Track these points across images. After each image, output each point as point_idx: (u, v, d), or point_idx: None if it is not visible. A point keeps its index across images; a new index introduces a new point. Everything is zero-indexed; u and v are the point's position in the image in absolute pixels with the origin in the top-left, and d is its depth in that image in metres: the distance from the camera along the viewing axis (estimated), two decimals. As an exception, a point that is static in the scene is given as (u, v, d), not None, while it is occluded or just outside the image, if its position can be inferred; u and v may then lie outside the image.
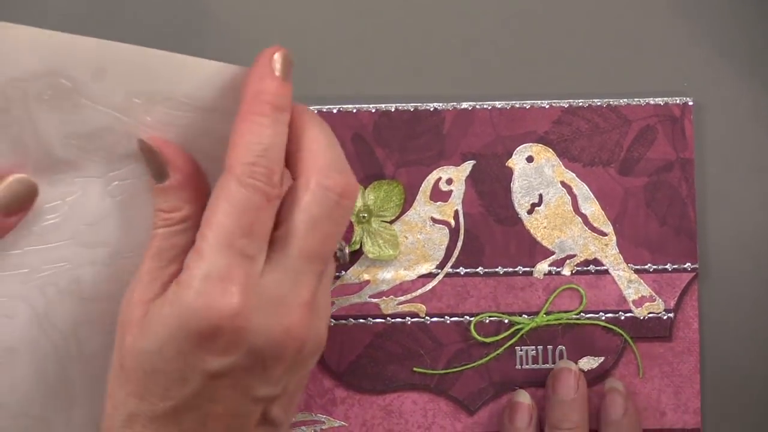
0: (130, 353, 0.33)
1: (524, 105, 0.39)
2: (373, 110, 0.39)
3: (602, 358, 0.38)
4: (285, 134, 0.31)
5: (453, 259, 0.39)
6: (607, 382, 0.39)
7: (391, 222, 0.38)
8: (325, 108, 0.38)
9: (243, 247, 0.30)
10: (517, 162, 0.39)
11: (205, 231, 0.31)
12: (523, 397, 0.39)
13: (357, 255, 0.38)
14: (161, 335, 0.32)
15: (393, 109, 0.39)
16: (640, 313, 0.39)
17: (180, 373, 0.32)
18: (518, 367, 0.38)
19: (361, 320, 0.39)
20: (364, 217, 0.38)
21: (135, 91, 0.32)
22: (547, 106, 0.39)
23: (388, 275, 0.38)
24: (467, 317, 0.39)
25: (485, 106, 0.39)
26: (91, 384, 0.36)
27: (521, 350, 0.39)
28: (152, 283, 0.33)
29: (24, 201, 0.35)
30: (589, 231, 0.39)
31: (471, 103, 0.39)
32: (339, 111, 0.38)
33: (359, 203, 0.38)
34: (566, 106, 0.39)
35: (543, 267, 0.39)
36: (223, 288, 0.30)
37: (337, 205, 0.30)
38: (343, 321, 0.38)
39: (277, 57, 0.31)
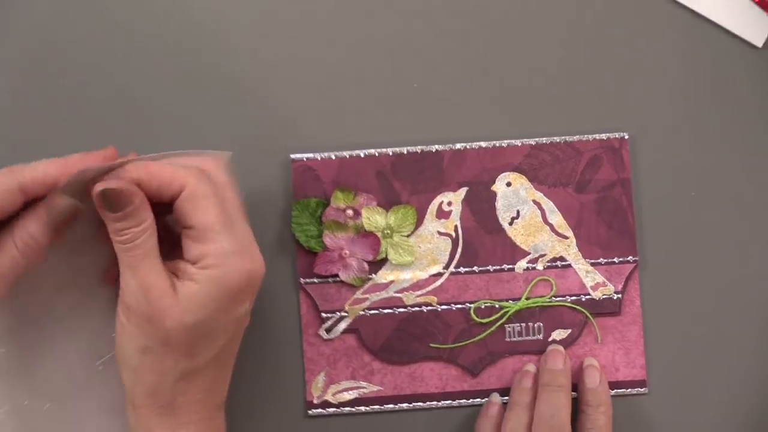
0: (176, 330, 0.38)
1: (502, 143, 0.49)
2: (390, 153, 0.49)
3: (569, 330, 0.49)
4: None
5: (455, 261, 0.49)
6: (585, 360, 0.48)
7: (408, 236, 0.49)
8: (354, 153, 0.49)
9: (232, 223, 0.39)
10: (499, 186, 0.49)
11: (209, 219, 0.38)
12: (530, 367, 0.48)
13: (383, 262, 0.49)
14: (208, 307, 0.38)
15: (405, 152, 0.49)
16: (596, 295, 0.49)
17: (223, 327, 0.39)
18: (507, 339, 0.49)
19: (389, 310, 0.49)
20: (387, 233, 0.49)
21: None
22: (520, 144, 0.49)
23: (408, 275, 0.49)
24: (468, 304, 0.49)
25: (474, 146, 0.49)
26: None
27: (509, 327, 0.49)
28: (159, 276, 0.38)
29: (63, 218, 0.40)
30: (555, 236, 0.49)
31: (463, 144, 0.49)
32: (365, 155, 0.49)
33: (383, 222, 0.49)
34: (533, 143, 0.49)
35: (522, 264, 0.49)
36: (238, 256, 0.38)
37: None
38: (376, 311, 0.49)
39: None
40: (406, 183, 0.49)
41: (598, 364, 0.48)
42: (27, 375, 0.43)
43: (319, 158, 0.49)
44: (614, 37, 0.51)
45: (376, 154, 0.49)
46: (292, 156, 0.49)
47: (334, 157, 0.49)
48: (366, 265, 0.49)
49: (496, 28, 0.51)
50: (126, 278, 0.38)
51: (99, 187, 0.37)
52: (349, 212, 0.49)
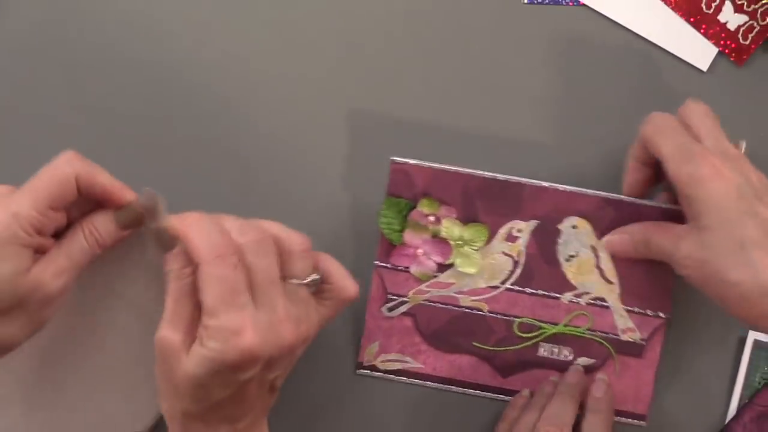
0: (184, 380, 0.40)
1: (578, 190, 0.55)
2: (478, 175, 0.56)
3: (594, 360, 0.56)
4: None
5: (511, 280, 0.56)
6: (597, 374, 0.56)
7: (477, 249, 0.56)
8: (447, 167, 0.55)
9: (239, 302, 0.40)
10: (565, 226, 0.56)
11: (209, 299, 0.39)
12: (555, 378, 0.55)
13: (450, 266, 0.56)
14: (206, 368, 0.40)
15: (492, 177, 0.55)
16: (624, 337, 0.56)
17: (222, 385, 0.41)
18: (539, 354, 0.56)
19: (446, 305, 0.56)
20: (460, 243, 0.56)
21: None
22: (592, 194, 0.55)
23: (468, 282, 0.56)
24: (513, 318, 0.56)
25: (553, 186, 0.55)
26: None
27: (543, 345, 0.56)
28: (179, 323, 0.40)
29: (132, 221, 0.45)
30: (603, 280, 0.55)
31: (544, 182, 0.55)
32: (457, 172, 0.56)
33: (458, 234, 0.57)
34: (604, 196, 0.55)
35: (568, 296, 0.56)
36: (238, 335, 0.39)
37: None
38: (434, 303, 0.56)
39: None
40: (486, 204, 0.56)
41: (607, 379, 0.55)
42: (94, 346, 0.48)
43: (415, 165, 0.56)
44: (562, 62, 0.56)
45: (466, 173, 0.56)
46: (393, 158, 0.57)
47: (429, 167, 0.56)
48: (435, 266, 0.57)
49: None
50: (164, 315, 0.42)
51: (152, 227, 0.43)
52: (431, 218, 0.56)
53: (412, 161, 0.56)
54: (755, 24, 0.57)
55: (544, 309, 0.57)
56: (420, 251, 0.56)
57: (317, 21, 0.58)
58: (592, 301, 0.56)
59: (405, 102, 0.58)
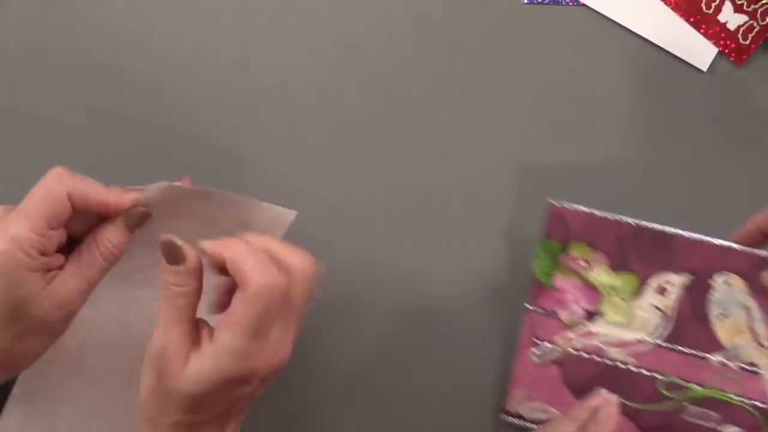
0: (177, 392, 0.40)
1: (734, 247, 0.54)
2: (633, 224, 0.55)
3: (742, 429, 0.53)
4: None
5: (660, 335, 0.54)
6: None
7: (626, 299, 0.54)
8: (602, 214, 0.55)
9: (266, 332, 0.40)
10: (718, 283, 0.54)
11: (243, 325, 0.39)
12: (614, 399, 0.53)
13: (599, 314, 0.54)
14: (208, 383, 0.40)
15: (646, 226, 0.55)
16: None
17: (217, 400, 0.41)
18: (684, 417, 0.54)
19: (593, 356, 0.54)
20: (610, 291, 0.55)
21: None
22: (750, 252, 0.54)
23: (616, 332, 0.54)
24: (660, 375, 0.54)
25: (708, 240, 0.54)
26: None
27: (690, 407, 0.54)
28: (177, 337, 0.40)
29: (140, 221, 0.44)
30: (755, 343, 0.54)
31: (699, 235, 0.54)
32: (611, 218, 0.55)
33: (609, 282, 0.55)
34: (763, 255, 0.54)
35: (718, 357, 0.54)
36: (252, 359, 0.40)
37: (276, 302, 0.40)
38: (581, 353, 0.54)
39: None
40: (638, 253, 0.55)
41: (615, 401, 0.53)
42: (126, 333, 0.48)
43: (571, 209, 0.55)
44: (564, 62, 0.57)
45: (621, 221, 0.55)
46: (551, 201, 0.56)
47: (584, 211, 0.55)
48: (584, 312, 0.55)
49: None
50: (156, 326, 0.41)
51: (164, 237, 0.41)
52: (583, 263, 0.55)
53: (567, 205, 0.55)
54: (755, 24, 0.57)
55: (691, 368, 0.54)
56: (570, 296, 0.54)
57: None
58: (742, 365, 0.54)
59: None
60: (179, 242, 0.41)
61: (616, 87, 0.57)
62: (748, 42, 0.58)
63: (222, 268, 0.41)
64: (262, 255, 0.41)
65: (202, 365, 0.40)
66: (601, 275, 0.55)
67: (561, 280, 0.55)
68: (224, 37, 0.58)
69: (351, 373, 0.55)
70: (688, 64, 0.58)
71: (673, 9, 0.58)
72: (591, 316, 0.55)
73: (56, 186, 0.42)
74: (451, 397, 0.52)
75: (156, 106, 0.56)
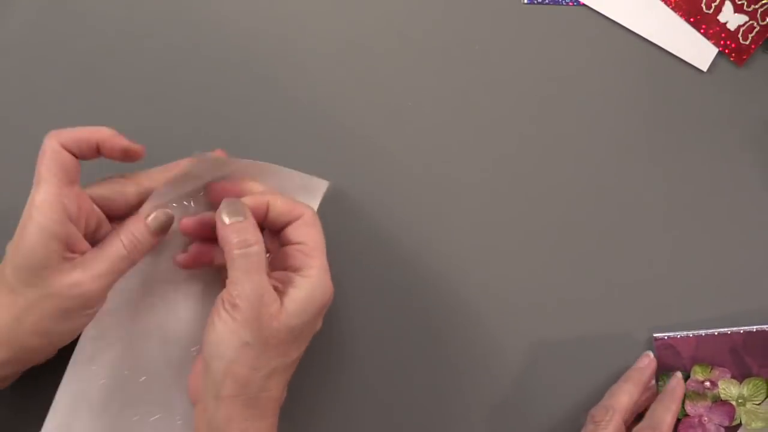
0: (280, 331, 0.43)
1: None
2: (741, 331, 0.56)
3: None
4: None
5: None
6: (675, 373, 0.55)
7: (759, 404, 0.56)
8: (709, 332, 0.56)
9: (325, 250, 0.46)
10: None
11: (314, 245, 0.45)
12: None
13: (737, 426, 0.56)
14: (309, 310, 0.44)
15: (754, 330, 0.56)
16: None
17: (309, 332, 0.46)
18: None
19: None
20: (741, 401, 0.57)
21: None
22: None
23: None
24: None
25: None
26: None
27: None
28: (268, 284, 0.43)
29: (165, 227, 0.47)
30: None
31: None
32: (718, 333, 0.56)
33: (737, 392, 0.57)
34: None
35: None
36: (327, 273, 0.45)
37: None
38: None
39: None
40: (756, 357, 0.56)
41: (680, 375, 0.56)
42: (132, 349, 0.48)
43: (678, 336, 0.56)
44: (564, 62, 0.57)
45: (729, 333, 0.56)
46: (655, 335, 0.56)
47: (691, 335, 0.56)
48: (723, 430, 0.56)
49: None
50: (240, 281, 0.43)
51: (227, 199, 0.46)
52: (707, 384, 0.56)
53: (673, 334, 0.56)
54: (755, 24, 0.58)
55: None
56: (705, 419, 0.56)
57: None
58: None
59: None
60: (239, 200, 0.46)
61: (616, 87, 0.57)
62: (748, 42, 0.57)
63: (259, 217, 0.46)
64: (287, 198, 0.48)
65: (299, 296, 0.44)
66: (729, 389, 0.56)
67: (691, 407, 0.56)
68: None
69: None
70: (688, 64, 0.57)
71: (673, 9, 0.57)
72: (730, 430, 0.57)
73: (49, 143, 0.43)
74: None
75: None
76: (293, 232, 0.47)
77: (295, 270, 0.46)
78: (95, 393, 0.47)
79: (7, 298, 0.43)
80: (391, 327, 0.56)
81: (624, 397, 0.53)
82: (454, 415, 0.56)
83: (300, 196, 0.50)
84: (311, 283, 0.45)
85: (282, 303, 0.44)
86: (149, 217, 0.46)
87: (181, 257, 0.49)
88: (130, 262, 0.46)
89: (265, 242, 0.45)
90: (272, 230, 0.49)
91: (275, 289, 0.44)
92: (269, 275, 0.45)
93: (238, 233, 0.44)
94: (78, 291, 0.43)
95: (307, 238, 0.46)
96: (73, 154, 0.44)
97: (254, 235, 0.44)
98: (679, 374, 0.56)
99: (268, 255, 0.47)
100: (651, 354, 0.56)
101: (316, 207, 0.51)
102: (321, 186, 0.51)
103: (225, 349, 0.43)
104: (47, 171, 0.43)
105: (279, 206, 0.47)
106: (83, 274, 0.43)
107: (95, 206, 0.46)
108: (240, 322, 0.42)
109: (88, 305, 0.44)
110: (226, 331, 0.42)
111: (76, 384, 0.47)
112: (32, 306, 0.43)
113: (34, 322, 0.43)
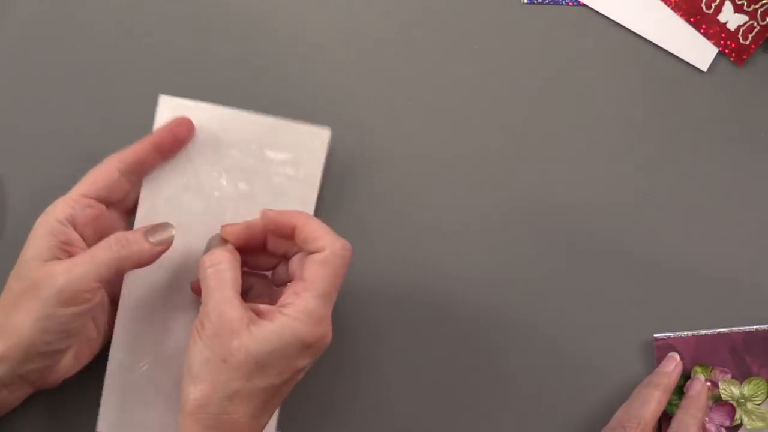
0: (239, 353, 0.42)
1: None
2: (741, 331, 0.56)
3: None
4: None
5: None
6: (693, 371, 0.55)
7: (760, 404, 0.56)
8: (709, 332, 0.55)
9: (331, 297, 0.44)
10: None
11: (321, 285, 0.43)
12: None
13: (738, 426, 0.56)
14: (275, 344, 0.42)
15: (755, 329, 0.56)
16: None
17: (281, 368, 0.43)
18: None
19: None
20: (741, 402, 0.56)
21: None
22: None
23: None
24: None
25: None
26: None
27: None
28: (233, 305, 0.43)
29: (167, 243, 0.47)
30: None
31: None
32: (718, 333, 0.56)
33: (738, 393, 0.57)
34: None
35: None
36: (320, 323, 0.43)
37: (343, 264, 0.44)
38: None
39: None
40: (756, 357, 0.56)
41: (704, 379, 0.55)
42: (153, 336, 0.50)
43: (678, 336, 0.56)
44: (564, 62, 0.57)
45: (729, 333, 0.56)
46: (655, 335, 0.56)
47: (691, 335, 0.56)
48: (723, 430, 0.56)
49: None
50: (205, 299, 0.44)
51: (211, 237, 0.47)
52: (708, 384, 0.56)
53: (673, 334, 0.56)
54: (755, 24, 0.58)
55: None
56: (706, 419, 0.56)
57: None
58: None
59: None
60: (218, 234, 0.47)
61: (616, 87, 0.57)
62: (748, 42, 0.57)
63: (285, 234, 0.46)
64: (325, 224, 0.45)
65: (268, 328, 0.43)
66: (729, 389, 0.56)
67: (691, 408, 0.56)
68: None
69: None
70: (688, 64, 0.57)
71: (673, 9, 0.57)
72: (731, 430, 0.57)
73: (108, 163, 0.48)
74: None
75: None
76: (305, 265, 0.45)
77: (281, 303, 0.45)
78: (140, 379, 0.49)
79: (6, 295, 0.46)
80: (391, 327, 0.56)
81: (655, 406, 0.53)
82: (454, 415, 0.56)
83: (308, 146, 0.50)
84: (283, 321, 0.43)
85: (249, 327, 0.43)
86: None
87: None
88: (117, 263, 0.45)
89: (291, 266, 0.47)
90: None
91: (256, 313, 0.44)
92: (255, 301, 0.45)
93: (211, 255, 0.46)
94: (52, 282, 0.44)
95: (309, 275, 0.44)
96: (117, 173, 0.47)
97: (223, 255, 0.45)
98: (702, 377, 0.55)
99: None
100: (677, 356, 0.55)
101: (323, 159, 0.51)
102: (324, 134, 0.51)
103: (191, 366, 0.43)
104: (85, 181, 0.47)
105: (305, 232, 0.45)
106: (60, 266, 0.44)
107: (122, 228, 0.49)
108: (203, 339, 0.43)
109: (61, 298, 0.44)
110: (196, 349, 0.43)
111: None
112: (18, 297, 0.44)
113: (22, 315, 0.44)
